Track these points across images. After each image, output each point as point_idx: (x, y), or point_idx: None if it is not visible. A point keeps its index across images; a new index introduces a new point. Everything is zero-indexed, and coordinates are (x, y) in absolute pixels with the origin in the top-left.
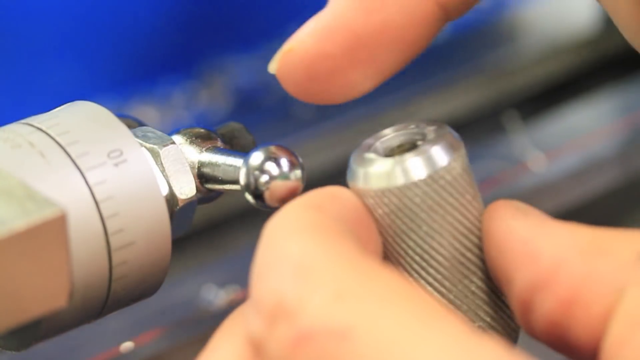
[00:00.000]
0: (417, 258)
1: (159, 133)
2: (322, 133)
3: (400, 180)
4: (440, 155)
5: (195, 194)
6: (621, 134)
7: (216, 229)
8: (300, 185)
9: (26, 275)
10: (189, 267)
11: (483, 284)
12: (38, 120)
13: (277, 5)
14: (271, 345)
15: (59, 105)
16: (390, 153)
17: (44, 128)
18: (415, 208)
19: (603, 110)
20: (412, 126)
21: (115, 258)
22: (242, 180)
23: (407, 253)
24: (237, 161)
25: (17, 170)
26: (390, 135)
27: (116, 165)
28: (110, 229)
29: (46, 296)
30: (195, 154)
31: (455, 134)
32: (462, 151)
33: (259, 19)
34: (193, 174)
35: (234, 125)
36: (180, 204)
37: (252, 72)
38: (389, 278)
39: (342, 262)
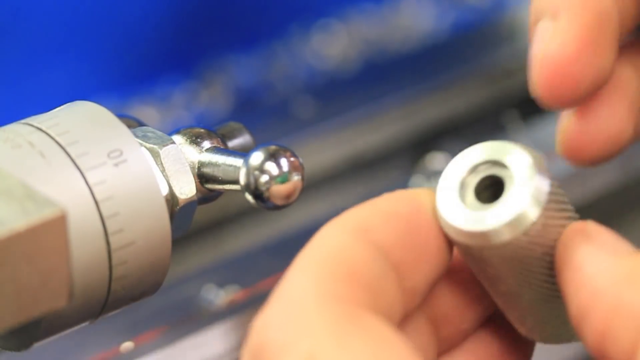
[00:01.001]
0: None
1: (159, 133)
2: (322, 133)
3: (502, 237)
4: (533, 204)
5: (195, 194)
6: None
7: (216, 229)
8: (300, 185)
9: (26, 275)
10: (189, 267)
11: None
12: (38, 120)
13: (277, 5)
14: None
15: (59, 105)
16: (479, 190)
17: (44, 128)
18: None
19: None
20: (494, 155)
21: (115, 258)
22: (242, 180)
23: (497, 288)
24: (237, 161)
25: (17, 170)
26: (476, 167)
27: (116, 165)
28: (110, 229)
29: (46, 296)
30: (195, 154)
31: (540, 166)
32: (553, 188)
33: (259, 19)
34: (193, 174)
35: (234, 125)
36: (180, 204)
37: (252, 72)
38: None
39: None
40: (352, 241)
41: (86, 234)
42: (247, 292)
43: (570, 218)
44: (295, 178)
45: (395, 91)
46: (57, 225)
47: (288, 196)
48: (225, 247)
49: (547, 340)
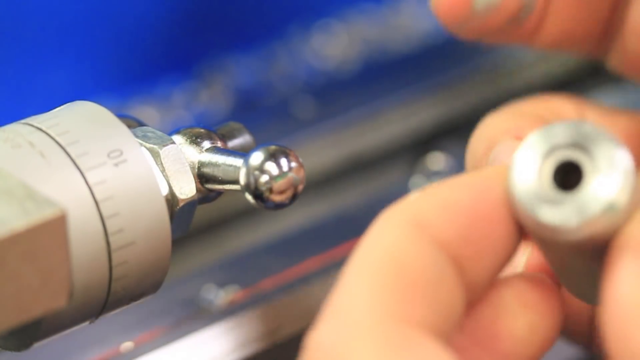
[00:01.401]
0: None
1: (159, 133)
2: (322, 133)
3: (589, 230)
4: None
5: (195, 194)
6: None
7: (216, 229)
8: (300, 185)
9: (26, 275)
10: (189, 267)
11: None
12: (38, 120)
13: (277, 5)
14: None
15: (59, 105)
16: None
17: (44, 128)
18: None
19: None
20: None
21: (115, 258)
22: (242, 180)
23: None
24: (237, 161)
25: (17, 170)
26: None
27: (116, 165)
28: (110, 229)
29: (46, 296)
30: (195, 154)
31: (622, 153)
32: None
33: (259, 19)
34: (193, 174)
35: (234, 125)
36: (180, 204)
37: (252, 72)
38: None
39: None
40: (409, 240)
41: (86, 234)
42: (247, 292)
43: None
44: (295, 178)
45: (395, 91)
46: (57, 225)
47: (288, 196)
48: (225, 247)
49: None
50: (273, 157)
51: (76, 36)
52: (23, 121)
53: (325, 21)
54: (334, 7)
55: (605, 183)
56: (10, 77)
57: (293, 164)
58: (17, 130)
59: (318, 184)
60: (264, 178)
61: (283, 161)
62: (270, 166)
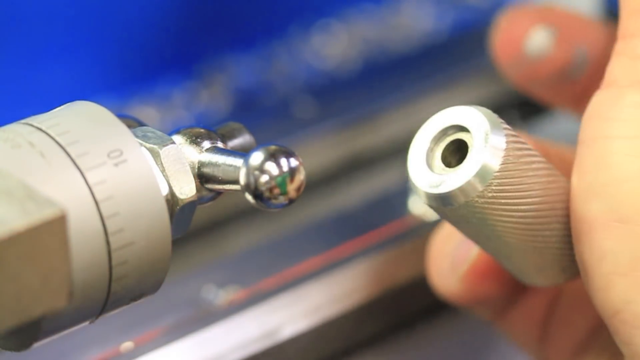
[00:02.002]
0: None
1: (159, 133)
2: (322, 133)
3: (464, 197)
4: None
5: (195, 194)
6: None
7: (216, 229)
8: (301, 185)
9: (26, 275)
10: (189, 267)
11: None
12: (38, 120)
13: (277, 5)
14: None
15: (59, 105)
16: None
17: (44, 128)
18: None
19: None
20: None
21: (115, 258)
22: (242, 180)
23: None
24: (237, 161)
25: (17, 170)
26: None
27: (116, 165)
28: (110, 229)
29: (46, 296)
30: (195, 154)
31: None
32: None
33: (259, 19)
34: (193, 174)
35: (234, 125)
36: (180, 204)
37: (252, 72)
38: None
39: None
40: None
41: (86, 234)
42: (247, 292)
43: (536, 163)
44: (296, 178)
45: (395, 91)
46: (57, 225)
47: (288, 196)
48: (225, 247)
49: (542, 284)
50: (273, 157)
51: (76, 36)
52: (23, 121)
53: (325, 21)
54: (334, 7)
55: (475, 159)
56: (10, 77)
57: (293, 164)
58: (17, 130)
59: (318, 184)
60: (264, 178)
61: (283, 161)
62: (270, 166)
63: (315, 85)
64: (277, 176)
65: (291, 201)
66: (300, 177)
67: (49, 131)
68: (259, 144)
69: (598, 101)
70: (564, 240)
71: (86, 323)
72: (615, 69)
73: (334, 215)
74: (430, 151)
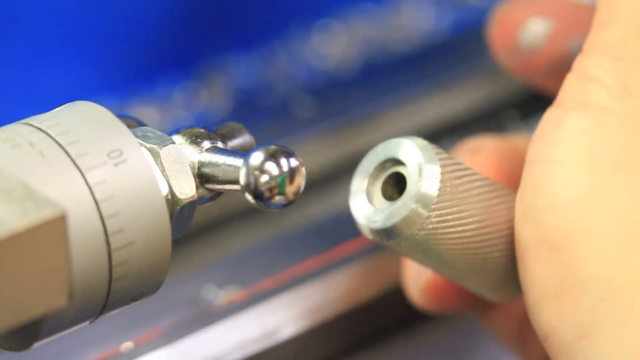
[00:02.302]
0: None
1: (159, 133)
2: (322, 133)
3: (401, 232)
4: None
5: (195, 193)
6: None
7: (216, 229)
8: (301, 185)
9: (26, 275)
10: (189, 267)
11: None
12: (38, 120)
13: (277, 5)
14: None
15: (59, 105)
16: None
17: (44, 128)
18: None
19: None
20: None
21: (115, 258)
22: (242, 180)
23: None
24: (237, 161)
25: (17, 170)
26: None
27: (116, 165)
28: (110, 229)
29: (46, 296)
30: (195, 154)
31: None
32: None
33: (259, 19)
34: (193, 174)
35: (234, 125)
36: (180, 204)
37: (252, 72)
38: None
39: None
40: None
41: (86, 234)
42: (247, 292)
43: (478, 187)
44: (296, 178)
45: (395, 91)
46: (57, 225)
47: (288, 196)
48: (225, 247)
49: (501, 300)
50: (273, 157)
51: (76, 36)
52: (23, 121)
53: (325, 21)
54: (334, 7)
55: (411, 191)
56: (11, 77)
57: (293, 164)
58: (17, 130)
59: (318, 184)
60: (264, 178)
61: (283, 161)
62: (270, 166)
63: (315, 85)
64: (277, 176)
65: (291, 201)
66: (300, 177)
67: (49, 131)
68: (259, 144)
69: (545, 120)
70: (514, 258)
71: (86, 323)
72: (566, 87)
73: (334, 215)
74: (371, 185)
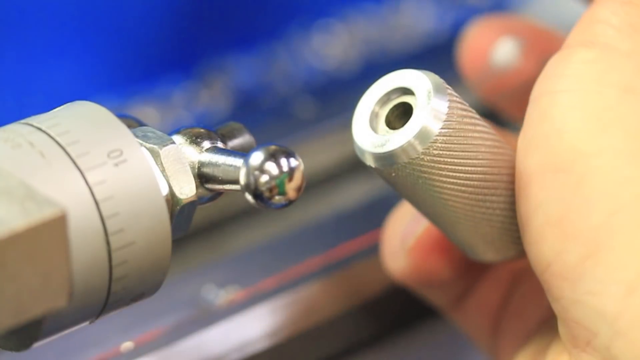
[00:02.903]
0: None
1: (159, 133)
2: (322, 133)
3: (405, 156)
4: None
5: (195, 194)
6: None
7: (216, 229)
8: (301, 185)
9: (26, 275)
10: (189, 267)
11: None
12: (38, 120)
13: (277, 5)
14: None
15: (59, 105)
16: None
17: (44, 128)
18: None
19: None
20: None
21: (115, 258)
22: (242, 180)
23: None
24: (237, 161)
25: (17, 170)
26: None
27: (116, 165)
28: (110, 229)
29: (46, 296)
30: (195, 154)
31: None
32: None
33: (259, 19)
34: (193, 174)
35: (234, 125)
36: (180, 204)
37: (252, 72)
38: None
39: None
40: None
41: (86, 234)
42: (247, 292)
43: (481, 131)
44: (296, 178)
45: None
46: (57, 225)
47: (288, 196)
48: (225, 247)
49: (492, 258)
50: (273, 157)
51: (76, 36)
52: (23, 121)
53: (325, 21)
54: (334, 7)
55: (418, 115)
56: (10, 77)
57: (293, 164)
58: (17, 130)
59: (318, 184)
60: (264, 178)
61: (283, 161)
62: (270, 166)
63: (315, 85)
64: (277, 176)
65: (291, 201)
66: (300, 177)
67: (49, 131)
68: (259, 144)
69: (549, 63)
70: (512, 208)
71: (86, 323)
72: (571, 34)
73: (334, 215)
74: (375, 114)
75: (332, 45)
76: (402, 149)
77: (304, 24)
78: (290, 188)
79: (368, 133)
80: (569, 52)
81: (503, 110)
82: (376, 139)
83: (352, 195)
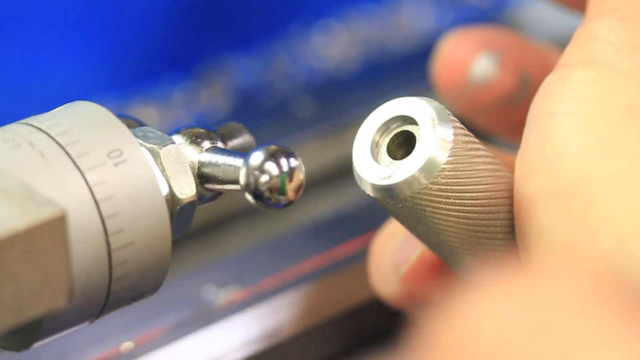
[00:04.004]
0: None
1: (159, 133)
2: (322, 133)
3: (411, 189)
4: (440, 153)
5: (195, 193)
6: None
7: (216, 229)
8: (301, 185)
9: (26, 275)
10: (189, 267)
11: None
12: (38, 120)
13: (277, 5)
14: None
15: (59, 105)
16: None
17: (44, 128)
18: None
19: None
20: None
21: (115, 258)
22: (242, 180)
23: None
24: (237, 161)
25: (17, 170)
26: (386, 130)
27: (116, 165)
28: (110, 229)
29: (46, 296)
30: (195, 154)
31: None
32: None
33: (259, 19)
34: (193, 174)
35: (234, 125)
36: (180, 204)
37: (252, 72)
38: None
39: None
40: None
41: (86, 234)
42: (247, 292)
43: (483, 156)
44: (296, 178)
45: (395, 91)
46: (57, 225)
47: (288, 196)
48: (225, 247)
49: None
50: (273, 157)
51: (76, 36)
52: (23, 121)
53: (325, 21)
54: (334, 7)
55: (423, 145)
56: (11, 76)
57: (293, 164)
58: (17, 130)
59: (318, 184)
60: (264, 178)
61: (283, 161)
62: (270, 166)
63: (315, 85)
64: (277, 176)
65: (291, 201)
66: (300, 177)
67: (49, 131)
68: (259, 144)
69: (547, 82)
70: (513, 232)
71: (86, 323)
72: (568, 52)
73: (334, 215)
74: (376, 144)
75: (331, 45)
76: (410, 180)
77: (303, 24)
78: (290, 188)
79: (371, 164)
80: (567, 72)
81: (478, 125)
82: (380, 170)
83: (352, 195)
